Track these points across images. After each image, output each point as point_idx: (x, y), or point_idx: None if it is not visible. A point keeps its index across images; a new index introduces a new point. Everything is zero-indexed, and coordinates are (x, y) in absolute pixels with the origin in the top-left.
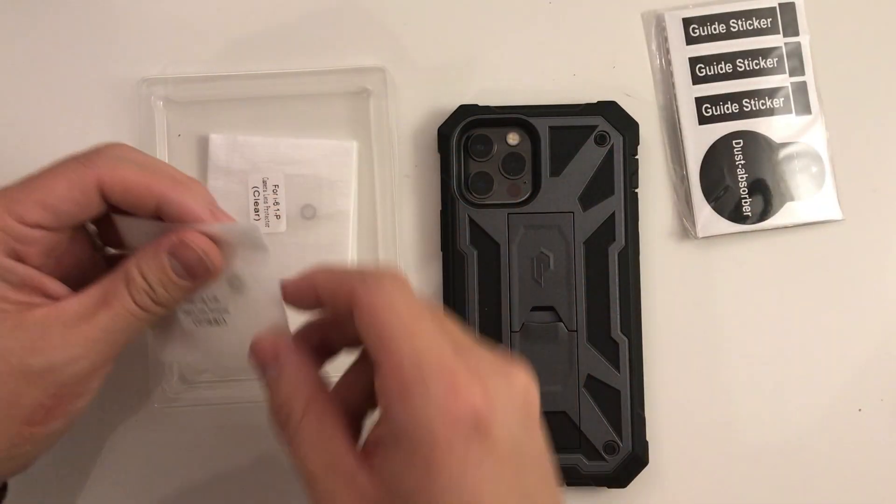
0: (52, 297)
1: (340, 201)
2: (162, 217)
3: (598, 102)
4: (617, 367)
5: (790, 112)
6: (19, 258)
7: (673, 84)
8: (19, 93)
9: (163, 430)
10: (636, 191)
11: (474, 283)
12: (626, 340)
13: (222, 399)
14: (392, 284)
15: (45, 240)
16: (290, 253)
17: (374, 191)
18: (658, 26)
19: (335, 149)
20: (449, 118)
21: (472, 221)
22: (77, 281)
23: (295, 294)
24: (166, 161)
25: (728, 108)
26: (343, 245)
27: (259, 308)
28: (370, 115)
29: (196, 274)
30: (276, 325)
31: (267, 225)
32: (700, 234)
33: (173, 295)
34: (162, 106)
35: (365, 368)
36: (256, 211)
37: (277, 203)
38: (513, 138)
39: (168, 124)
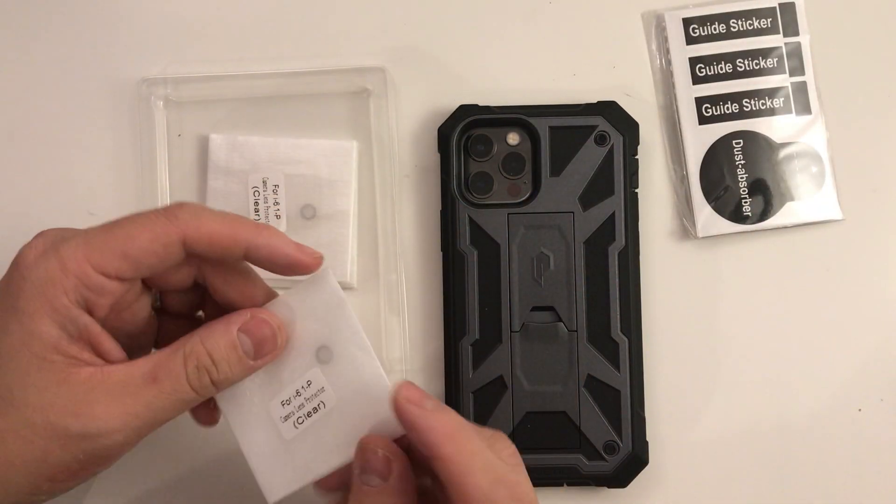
0: (104, 357)
1: (340, 201)
2: (251, 261)
3: (598, 102)
4: (617, 367)
5: (790, 112)
6: (88, 308)
7: (673, 84)
8: (19, 93)
9: (162, 429)
10: (636, 191)
11: (474, 283)
12: (626, 340)
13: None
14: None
15: (118, 291)
16: None
17: (374, 191)
18: (658, 26)
19: (335, 149)
20: (449, 118)
21: (472, 221)
22: (129, 336)
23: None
24: (166, 161)
25: (728, 108)
26: (343, 245)
27: (356, 373)
28: (370, 115)
29: (264, 352)
30: (380, 401)
31: None
32: (700, 234)
33: (234, 375)
34: (162, 106)
35: None
36: (256, 211)
37: (277, 203)
38: (513, 138)
39: (168, 124)
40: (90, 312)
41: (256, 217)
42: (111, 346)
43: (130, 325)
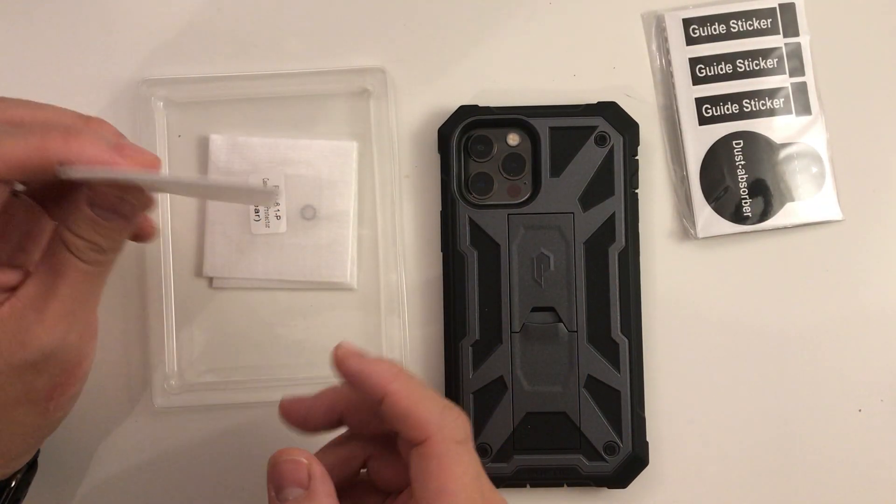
0: (7, 287)
1: (340, 201)
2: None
3: (599, 103)
4: (617, 368)
5: (790, 112)
6: None
7: (673, 84)
8: (20, 93)
9: (163, 431)
10: (636, 191)
11: (474, 284)
12: (626, 340)
13: (222, 401)
14: (465, 446)
15: None
16: (290, 253)
17: (374, 191)
18: (658, 27)
19: (335, 149)
20: (449, 118)
21: (472, 222)
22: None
23: (357, 378)
24: (166, 162)
25: (728, 109)
26: (343, 245)
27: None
28: (370, 115)
29: (125, 212)
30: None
31: (267, 225)
32: (700, 235)
33: (117, 237)
34: (162, 106)
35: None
36: (256, 211)
37: (278, 203)
38: (513, 139)
39: (168, 125)
40: None
41: (256, 218)
42: (9, 275)
43: (22, 244)
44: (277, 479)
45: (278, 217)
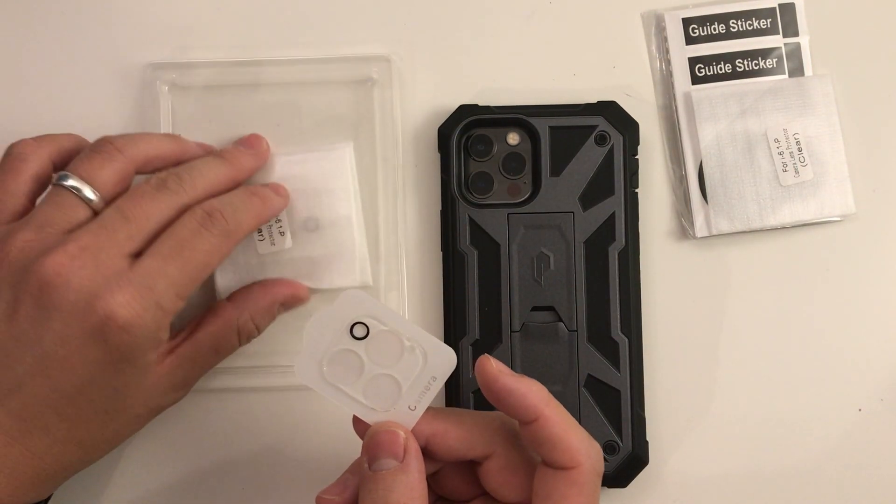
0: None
1: (341, 207)
2: None
3: (599, 102)
4: (617, 367)
5: None
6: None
7: (672, 84)
8: (26, 77)
9: (173, 417)
10: (636, 191)
11: (474, 283)
12: (626, 340)
13: (234, 385)
14: (600, 479)
15: None
16: (300, 266)
17: (375, 189)
18: (658, 26)
19: (329, 157)
20: (449, 118)
21: (472, 221)
22: None
23: (506, 398)
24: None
25: None
26: (350, 249)
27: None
28: (374, 105)
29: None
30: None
31: (273, 244)
32: (698, 234)
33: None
34: (167, 91)
35: None
36: (260, 231)
37: (279, 220)
38: (513, 138)
39: (173, 109)
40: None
41: (260, 238)
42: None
43: None
44: (374, 448)
45: (282, 233)
